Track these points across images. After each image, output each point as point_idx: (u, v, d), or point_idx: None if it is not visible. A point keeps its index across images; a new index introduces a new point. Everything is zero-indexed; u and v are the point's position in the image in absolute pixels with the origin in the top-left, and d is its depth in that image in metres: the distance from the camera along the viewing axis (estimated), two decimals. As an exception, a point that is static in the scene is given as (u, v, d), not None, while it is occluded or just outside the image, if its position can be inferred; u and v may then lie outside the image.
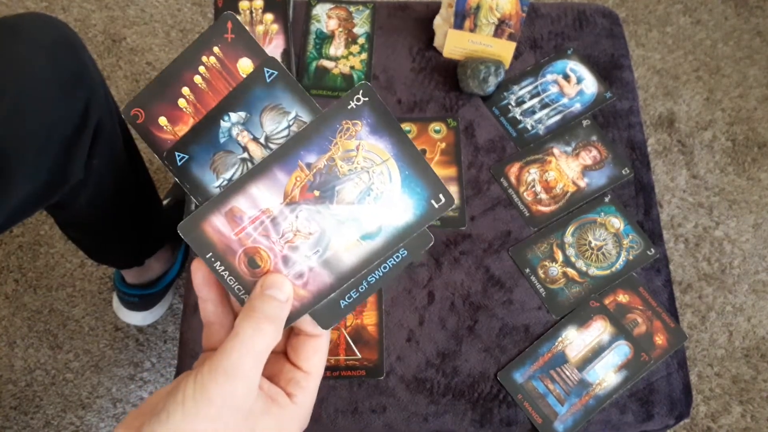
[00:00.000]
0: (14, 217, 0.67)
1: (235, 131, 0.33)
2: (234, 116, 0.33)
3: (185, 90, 0.33)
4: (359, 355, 0.69)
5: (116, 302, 1.10)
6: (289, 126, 0.33)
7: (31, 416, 1.06)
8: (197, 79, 0.33)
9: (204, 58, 0.33)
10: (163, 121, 0.33)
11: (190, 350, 0.70)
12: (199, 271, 0.33)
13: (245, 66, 0.33)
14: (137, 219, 0.92)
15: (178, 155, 0.33)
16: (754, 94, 1.35)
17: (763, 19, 1.43)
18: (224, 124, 0.33)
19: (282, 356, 0.34)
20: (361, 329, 0.70)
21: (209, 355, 0.33)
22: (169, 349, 1.11)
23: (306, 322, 0.34)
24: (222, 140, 0.33)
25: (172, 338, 1.12)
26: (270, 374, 0.33)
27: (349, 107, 0.32)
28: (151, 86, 0.33)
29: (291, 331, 0.35)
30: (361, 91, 0.32)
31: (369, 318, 0.71)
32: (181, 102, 0.33)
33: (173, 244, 1.09)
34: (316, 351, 0.34)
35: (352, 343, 0.69)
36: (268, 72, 0.32)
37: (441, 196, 0.32)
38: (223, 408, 0.29)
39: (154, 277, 1.07)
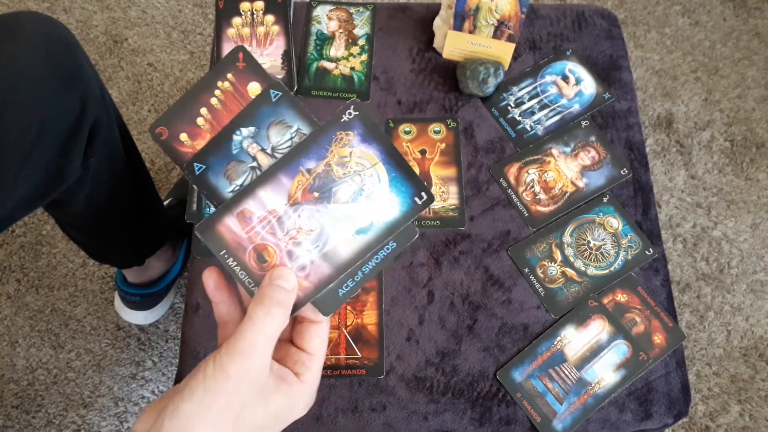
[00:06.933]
0: (12, 215, 0.67)
1: (245, 143, 0.38)
2: (245, 131, 0.38)
3: (203, 110, 0.39)
4: (359, 354, 0.70)
5: (118, 301, 1.11)
6: (291, 138, 0.38)
7: (33, 415, 1.06)
8: (213, 101, 0.39)
9: (219, 83, 0.39)
10: (184, 137, 0.39)
11: (191, 349, 0.70)
12: (210, 279, 0.37)
13: (254, 89, 0.39)
14: (136, 218, 0.92)
15: (197, 165, 0.38)
16: (753, 94, 1.35)
17: (761, 20, 1.44)
18: (236, 138, 0.38)
19: (288, 343, 0.38)
20: (362, 328, 0.71)
21: None
22: (171, 348, 1.12)
23: (308, 310, 0.37)
24: (234, 151, 0.38)
25: (174, 337, 1.12)
26: (278, 358, 0.37)
27: (342, 120, 0.37)
28: (173, 108, 0.39)
29: (295, 320, 0.38)
30: (352, 107, 0.37)
31: (369, 317, 0.71)
32: (200, 120, 0.39)
33: (174, 243, 1.10)
34: (318, 334, 0.37)
35: (352, 342, 0.70)
36: (273, 93, 0.38)
37: (423, 193, 0.37)
38: (239, 383, 0.32)
39: (156, 277, 1.08)
